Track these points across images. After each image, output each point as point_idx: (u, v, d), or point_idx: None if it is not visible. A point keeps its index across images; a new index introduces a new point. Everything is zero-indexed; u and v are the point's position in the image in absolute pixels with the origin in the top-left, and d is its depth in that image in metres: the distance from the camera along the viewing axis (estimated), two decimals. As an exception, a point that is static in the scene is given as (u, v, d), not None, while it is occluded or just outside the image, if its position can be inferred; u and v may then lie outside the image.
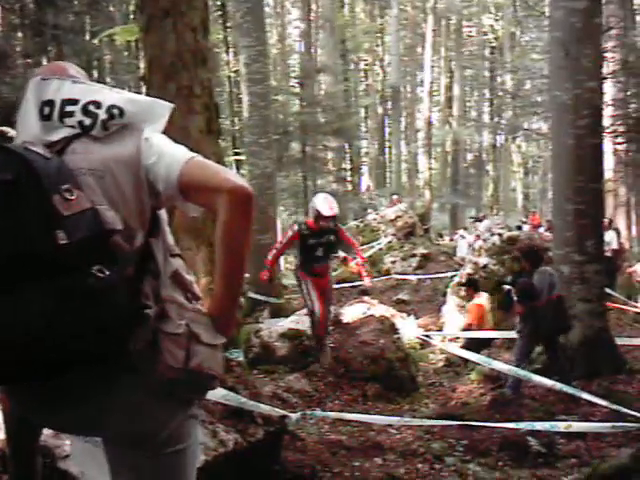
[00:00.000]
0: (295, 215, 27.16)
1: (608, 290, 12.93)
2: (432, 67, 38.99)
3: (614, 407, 6.60)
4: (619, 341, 10.12)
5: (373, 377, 8.96)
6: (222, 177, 2.17)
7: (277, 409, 5.59)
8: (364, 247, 23.00)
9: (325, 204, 9.03)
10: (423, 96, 40.86)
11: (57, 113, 2.21)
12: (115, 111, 2.21)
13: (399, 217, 23.72)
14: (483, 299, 11.88)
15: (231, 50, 32.04)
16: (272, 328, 10.22)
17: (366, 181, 42.53)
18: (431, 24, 37.98)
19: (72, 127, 2.19)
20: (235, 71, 28.45)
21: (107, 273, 1.89)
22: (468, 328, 11.77)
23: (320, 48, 34.84)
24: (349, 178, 34.37)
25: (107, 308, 1.90)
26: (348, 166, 35.76)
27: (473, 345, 10.74)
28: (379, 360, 9.15)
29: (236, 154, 27.76)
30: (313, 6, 38.06)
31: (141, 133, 2.23)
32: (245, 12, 15.95)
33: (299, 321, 10.36)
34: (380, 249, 22.11)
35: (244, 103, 17.23)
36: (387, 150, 46.80)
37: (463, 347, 10.80)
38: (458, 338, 12.17)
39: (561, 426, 6.33)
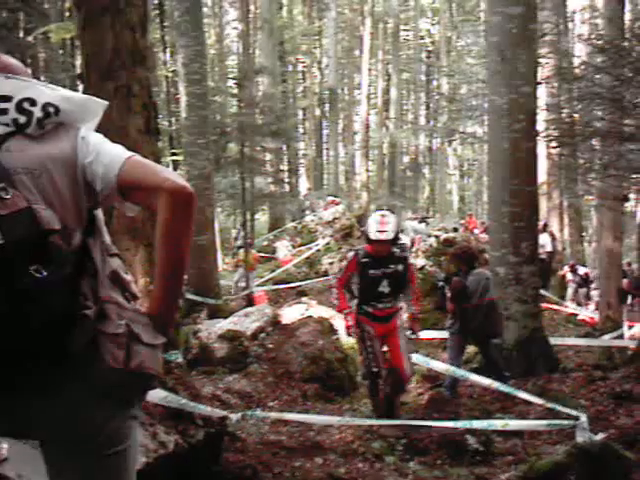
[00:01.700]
0: (233, 216, 27.05)
1: (542, 291, 13.20)
2: (369, 70, 39.18)
3: (549, 405, 6.74)
4: (553, 341, 10.35)
5: (312, 377, 9.00)
6: (162, 176, 2.15)
7: (217, 410, 5.57)
8: (302, 248, 23.15)
9: (375, 224, 7.09)
10: (360, 99, 40.99)
11: None
12: (51, 109, 2.17)
13: (337, 219, 23.88)
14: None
15: (168, 50, 31.79)
16: (211, 329, 10.17)
17: (304, 183, 42.56)
18: (369, 27, 38.16)
19: (6, 125, 2.13)
20: (173, 71, 28.23)
21: (44, 273, 1.87)
22: None
23: (258, 49, 34.71)
24: (287, 180, 34.34)
25: (43, 308, 1.88)
26: (286, 168, 35.73)
27: None
28: (318, 361, 9.19)
29: (173, 154, 27.55)
30: (251, 7, 37.93)
31: (77, 131, 2.21)
32: (183, 11, 15.83)
33: (237, 322, 10.33)
34: (318, 250, 22.20)
35: (182, 103, 17.10)
36: (325, 152, 46.97)
37: None
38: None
39: (498, 424, 6.44)
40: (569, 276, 19.68)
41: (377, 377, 7.29)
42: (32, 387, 2.01)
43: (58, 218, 2.00)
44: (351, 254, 7.44)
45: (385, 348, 7.36)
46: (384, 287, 7.14)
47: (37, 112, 2.14)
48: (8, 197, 1.91)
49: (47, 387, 2.02)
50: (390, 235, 7.01)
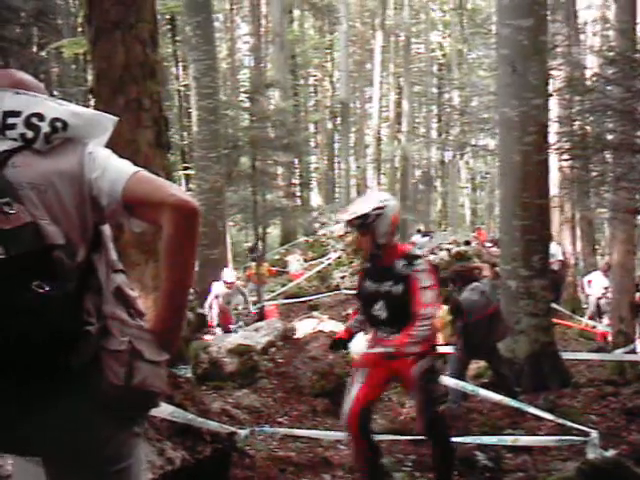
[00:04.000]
0: (245, 230, 27.09)
1: (554, 305, 13.13)
2: (381, 83, 39.33)
3: (560, 421, 6.70)
4: (564, 355, 10.28)
5: (322, 392, 8.95)
6: (166, 192, 2.14)
7: (225, 426, 5.55)
8: (313, 262, 23.14)
9: (355, 203, 5.55)
10: (372, 112, 41.16)
11: None
12: (58, 124, 2.16)
13: (348, 233, 23.82)
14: (441, 312, 11.91)
15: (180, 64, 31.95)
16: (221, 344, 10.16)
17: (316, 196, 42.64)
18: (380, 40, 38.33)
19: (14, 140, 2.13)
20: (184, 85, 28.37)
21: (47, 289, 1.86)
22: None
23: (270, 63, 34.91)
24: (299, 193, 34.40)
25: (45, 324, 1.86)
26: (298, 181, 35.80)
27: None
28: (328, 375, 9.15)
29: (185, 168, 27.66)
30: (263, 21, 38.16)
31: (85, 147, 2.20)
32: (195, 26, 15.92)
33: (248, 336, 10.32)
34: (329, 264, 22.19)
35: (193, 117, 17.17)
36: (336, 165, 47.04)
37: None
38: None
39: (508, 440, 6.40)
40: (588, 291, 19.44)
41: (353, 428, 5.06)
42: (33, 402, 1.99)
43: (63, 233, 1.99)
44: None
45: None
46: (380, 310, 5.12)
47: (45, 127, 2.14)
48: (12, 212, 1.90)
49: (48, 403, 2.00)
50: (356, 214, 5.10)
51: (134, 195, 2.15)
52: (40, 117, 2.15)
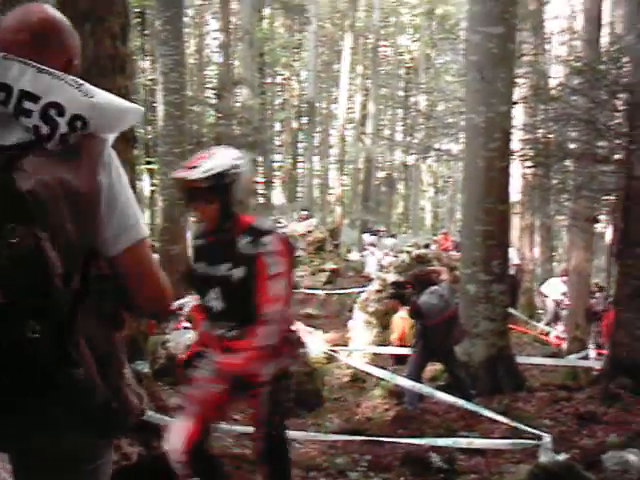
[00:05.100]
0: (206, 226, 26.93)
1: (511, 310, 13.28)
2: (348, 84, 39.34)
3: (513, 424, 6.79)
4: (519, 359, 10.41)
5: (281, 390, 8.94)
6: (157, 284, 2.07)
7: (182, 421, 5.53)
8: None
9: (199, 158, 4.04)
10: (338, 113, 41.15)
11: (13, 105, 1.87)
12: (78, 123, 1.89)
13: (310, 232, 23.88)
14: (403, 313, 11.99)
15: (148, 58, 31.70)
16: (179, 339, 10.10)
17: (278, 195, 42.55)
18: (349, 42, 38.35)
19: (26, 129, 1.86)
20: (151, 79, 28.15)
21: (38, 328, 1.69)
22: (396, 342, 11.95)
23: (238, 60, 34.71)
24: (262, 191, 34.32)
25: (28, 363, 1.74)
26: (261, 179, 35.69)
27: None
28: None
29: (149, 163, 27.42)
30: (232, 18, 37.96)
31: (100, 157, 1.94)
32: (164, 20, 15.80)
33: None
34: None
35: (159, 112, 17.05)
36: (300, 165, 47.02)
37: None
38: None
39: (463, 442, 6.47)
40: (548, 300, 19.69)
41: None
42: (13, 411, 1.87)
43: (61, 258, 1.76)
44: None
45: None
46: (213, 300, 3.95)
47: (62, 126, 1.88)
48: (15, 240, 1.68)
49: (30, 414, 1.89)
50: (211, 171, 3.82)
51: (127, 265, 2.00)
52: (59, 110, 1.88)
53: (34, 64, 1.91)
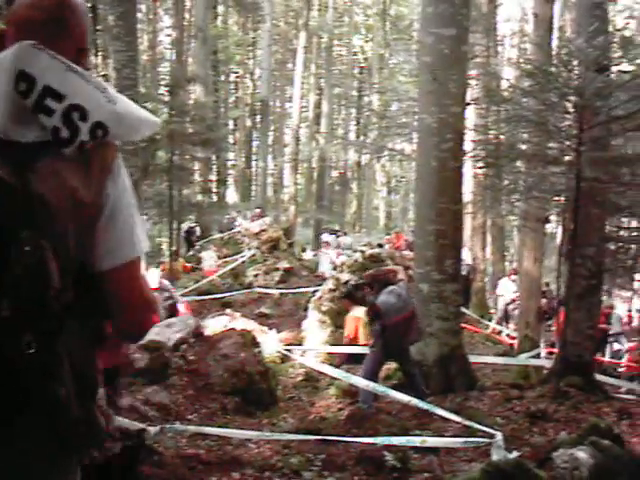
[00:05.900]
0: (160, 225, 26.77)
1: (463, 309, 13.40)
2: (302, 83, 39.34)
3: (466, 423, 6.85)
4: (472, 359, 10.50)
5: (233, 391, 8.92)
6: (147, 305, 1.96)
7: (135, 423, 5.50)
8: (228, 259, 23.02)
9: None
10: (292, 111, 41.16)
11: (34, 99, 1.74)
12: (99, 132, 1.80)
13: (264, 231, 23.87)
14: (360, 312, 11.96)
15: (100, 54, 31.35)
16: (131, 339, 10.01)
17: (232, 193, 42.43)
18: (303, 41, 38.34)
19: (42, 128, 1.74)
20: (104, 75, 27.84)
21: (34, 344, 1.63)
22: (347, 341, 11.94)
23: (191, 58, 34.52)
24: (215, 190, 34.17)
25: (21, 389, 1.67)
26: (215, 178, 35.53)
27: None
28: (239, 374, 9.12)
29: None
30: (186, 15, 37.76)
31: (111, 167, 1.86)
32: (117, 16, 15.68)
33: (159, 332, 10.20)
34: (243, 262, 22.12)
35: (111, 108, 16.86)
36: (254, 163, 46.90)
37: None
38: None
39: (417, 441, 6.51)
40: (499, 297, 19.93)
41: None
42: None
43: (58, 271, 1.68)
44: None
45: None
46: None
47: (84, 133, 1.77)
48: (29, 248, 1.61)
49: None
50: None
51: (113, 283, 1.87)
52: (82, 114, 1.77)
53: (63, 60, 1.80)
